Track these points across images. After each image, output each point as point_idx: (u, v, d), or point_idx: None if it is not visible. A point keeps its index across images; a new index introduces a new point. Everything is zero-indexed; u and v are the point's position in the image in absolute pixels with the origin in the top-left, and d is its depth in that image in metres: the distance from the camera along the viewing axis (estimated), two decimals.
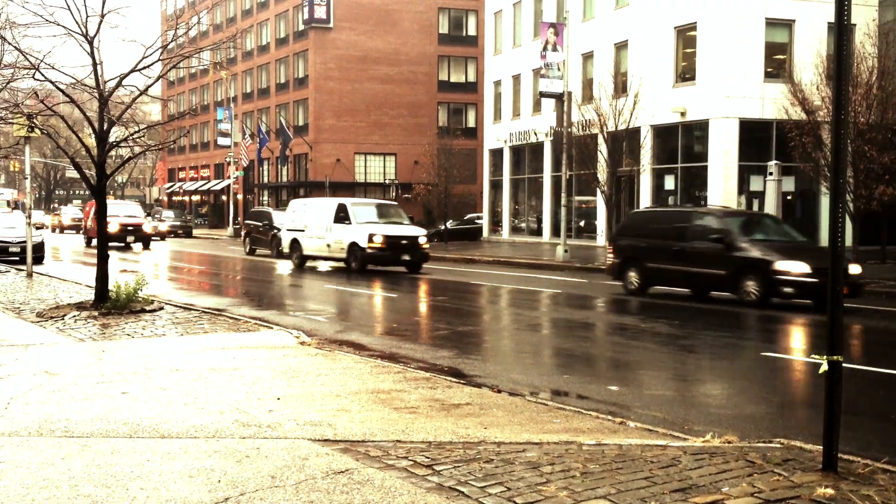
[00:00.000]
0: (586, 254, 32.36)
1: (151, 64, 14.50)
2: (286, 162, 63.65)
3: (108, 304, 13.55)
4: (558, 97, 31.99)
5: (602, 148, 28.09)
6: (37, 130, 18.47)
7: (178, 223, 57.25)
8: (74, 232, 57.54)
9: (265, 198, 73.29)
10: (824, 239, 31.70)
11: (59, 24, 13.82)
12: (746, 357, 11.55)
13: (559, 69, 31.92)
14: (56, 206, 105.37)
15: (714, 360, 11.18)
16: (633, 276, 18.72)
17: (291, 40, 67.92)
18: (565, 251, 29.00)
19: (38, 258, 25.70)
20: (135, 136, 16.18)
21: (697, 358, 11.37)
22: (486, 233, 49.97)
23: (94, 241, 37.29)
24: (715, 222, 17.75)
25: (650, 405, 8.04)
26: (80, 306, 13.98)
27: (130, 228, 38.94)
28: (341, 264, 26.13)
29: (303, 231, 27.02)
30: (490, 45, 51.00)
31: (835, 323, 5.37)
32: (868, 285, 19.85)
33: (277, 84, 70.31)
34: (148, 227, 40.24)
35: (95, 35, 13.88)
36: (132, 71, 14.24)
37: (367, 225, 24.80)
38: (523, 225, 47.76)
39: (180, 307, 14.74)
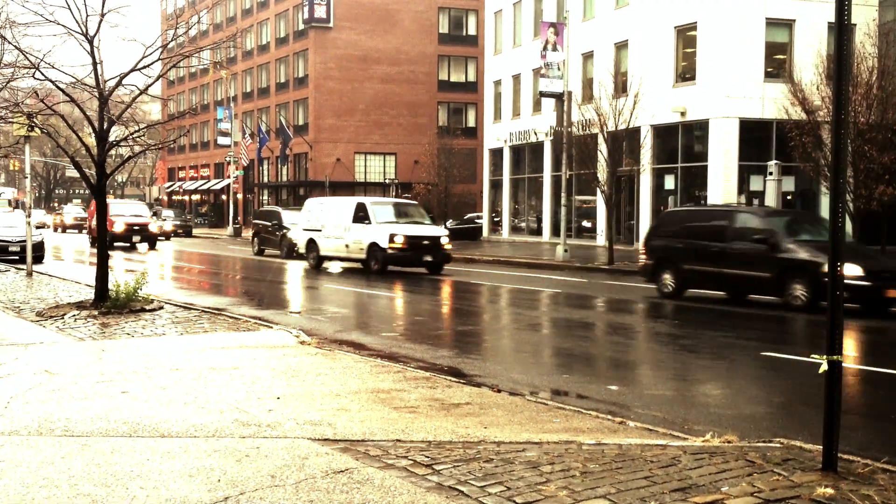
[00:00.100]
0: (586, 253, 32.36)
1: (151, 63, 14.50)
2: (286, 161, 63.66)
3: (107, 304, 13.54)
4: (558, 97, 31.98)
5: (602, 148, 28.06)
6: (37, 129, 18.48)
7: (178, 223, 57.11)
8: (77, 231, 57.30)
9: (265, 197, 73.29)
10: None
11: (59, 24, 13.83)
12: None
13: (559, 69, 31.91)
14: (56, 205, 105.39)
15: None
16: (668, 278, 17.91)
17: (291, 40, 67.92)
18: (565, 251, 29.00)
19: (38, 257, 25.69)
20: (135, 136, 16.18)
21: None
22: (485, 232, 49.97)
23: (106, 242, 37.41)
24: (758, 222, 16.96)
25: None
26: (79, 305, 13.98)
27: (136, 228, 38.24)
28: (358, 265, 25.38)
29: (319, 231, 26.28)
30: (490, 44, 50.99)
31: (834, 323, 5.37)
32: None
33: (277, 83, 70.31)
34: (154, 227, 39.58)
35: (95, 34, 13.88)
36: (132, 70, 14.25)
37: (388, 225, 24.07)
38: (523, 225, 47.75)
39: (179, 306, 14.73)
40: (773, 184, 22.09)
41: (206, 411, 6.95)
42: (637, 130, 30.93)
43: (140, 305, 13.78)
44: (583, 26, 40.15)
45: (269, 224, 33.34)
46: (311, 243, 26.61)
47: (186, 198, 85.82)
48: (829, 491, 4.91)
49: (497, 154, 49.64)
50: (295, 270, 26.14)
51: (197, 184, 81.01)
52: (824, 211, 30.42)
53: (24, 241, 22.87)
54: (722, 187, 33.35)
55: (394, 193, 60.08)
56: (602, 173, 28.01)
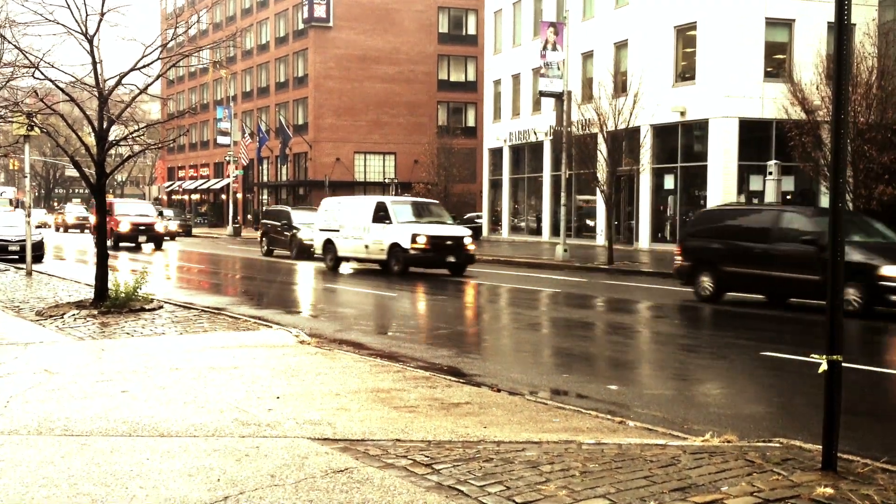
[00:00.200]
0: (586, 253, 32.36)
1: (151, 62, 14.50)
2: (286, 161, 63.67)
3: (107, 303, 13.54)
4: (558, 96, 31.98)
5: (602, 147, 28.06)
6: (36, 129, 18.47)
7: (178, 222, 57.06)
8: (79, 231, 56.97)
9: (265, 197, 73.30)
10: None
11: (58, 23, 13.83)
12: None
13: (559, 68, 31.91)
14: (56, 204, 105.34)
15: None
16: (706, 280, 17.07)
17: (291, 39, 67.91)
18: (565, 250, 29.00)
19: (38, 257, 25.67)
20: (134, 135, 16.18)
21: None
22: (485, 232, 49.98)
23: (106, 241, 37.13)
24: (805, 222, 15.97)
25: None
26: (79, 305, 13.98)
27: (142, 228, 37.56)
28: (376, 266, 24.75)
29: (337, 231, 25.48)
30: (490, 44, 51.00)
31: (834, 323, 5.37)
32: None
33: (277, 83, 70.30)
34: (160, 226, 38.83)
35: (95, 34, 13.88)
36: (132, 69, 14.25)
37: (409, 224, 23.34)
38: (523, 224, 47.77)
39: (179, 306, 14.72)
40: (772, 183, 22.08)
41: (205, 411, 6.95)
42: (637, 130, 30.94)
43: (140, 305, 13.78)
44: (582, 26, 40.15)
45: (279, 224, 32.62)
46: (329, 244, 25.90)
47: (186, 197, 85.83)
48: (829, 491, 4.91)
49: (497, 154, 49.64)
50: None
51: (196, 183, 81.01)
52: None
53: (24, 240, 22.86)
54: (722, 187, 33.36)
55: (393, 193, 60.07)
56: (602, 173, 28.01)
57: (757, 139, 33.23)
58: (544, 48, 32.57)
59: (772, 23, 33.60)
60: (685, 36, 35.47)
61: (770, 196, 22.09)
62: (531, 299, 18.73)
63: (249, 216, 71.73)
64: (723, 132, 33.34)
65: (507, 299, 19.31)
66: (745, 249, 16.50)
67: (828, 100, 20.87)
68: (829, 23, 31.77)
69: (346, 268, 26.10)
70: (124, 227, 36.71)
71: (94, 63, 13.87)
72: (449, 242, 23.27)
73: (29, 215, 21.84)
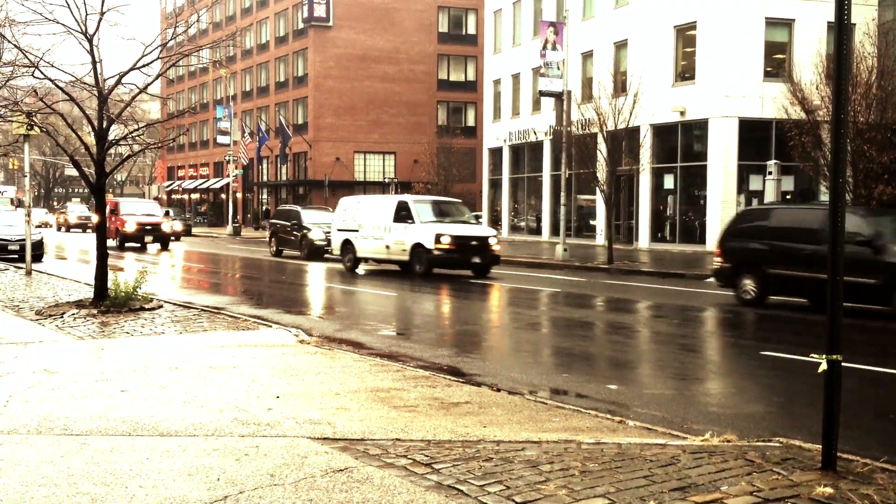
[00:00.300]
0: (585, 253, 32.36)
1: (151, 62, 14.51)
2: (285, 160, 63.66)
3: (107, 302, 13.54)
4: (558, 96, 31.98)
5: (601, 147, 28.06)
6: (36, 128, 18.47)
7: (178, 221, 56.96)
8: (81, 231, 56.59)
9: (264, 196, 73.30)
10: None
11: (58, 22, 13.82)
12: None
13: (559, 68, 31.91)
14: (56, 203, 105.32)
15: None
16: (748, 283, 16.24)
17: (291, 39, 67.91)
18: (564, 250, 28.99)
19: (38, 256, 25.67)
20: (134, 135, 16.18)
21: None
22: None
23: (110, 242, 36.46)
24: (859, 222, 14.87)
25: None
26: (79, 304, 13.98)
27: (149, 228, 36.69)
28: (395, 267, 24.18)
29: (356, 231, 24.75)
30: (490, 43, 51.01)
31: (834, 322, 5.37)
32: None
33: (277, 82, 70.30)
34: (167, 226, 37.86)
35: (95, 33, 13.88)
36: (132, 69, 14.24)
37: (433, 224, 22.61)
38: (522, 224, 47.77)
39: (179, 305, 14.71)
40: (772, 183, 22.07)
41: (205, 410, 6.94)
42: (636, 130, 30.94)
43: (139, 304, 13.78)
44: (582, 25, 40.16)
45: (288, 224, 31.91)
46: (347, 244, 25.17)
47: (186, 197, 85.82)
48: (829, 490, 4.91)
49: (496, 153, 49.64)
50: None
51: (196, 183, 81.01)
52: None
53: (24, 239, 22.86)
54: (721, 187, 33.38)
55: (393, 192, 60.05)
56: (601, 173, 28.01)
57: (757, 139, 33.23)
58: (544, 48, 32.56)
59: (772, 22, 33.61)
60: (685, 36, 35.47)
61: (770, 196, 22.07)
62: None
63: (249, 216, 71.75)
64: (723, 132, 33.35)
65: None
66: (792, 251, 15.59)
67: (828, 99, 20.86)
68: (828, 22, 31.77)
69: (351, 269, 25.12)
70: (130, 227, 36.04)
71: (94, 62, 13.87)
72: (474, 243, 22.69)
73: (29, 214, 21.84)
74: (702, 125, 34.32)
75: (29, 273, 20.71)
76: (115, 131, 15.63)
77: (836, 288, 5.40)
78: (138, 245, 37.24)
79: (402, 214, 23.31)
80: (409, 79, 65.26)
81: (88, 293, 15.23)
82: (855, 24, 23.14)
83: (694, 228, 35.34)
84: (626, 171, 32.09)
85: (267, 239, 35.99)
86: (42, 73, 14.35)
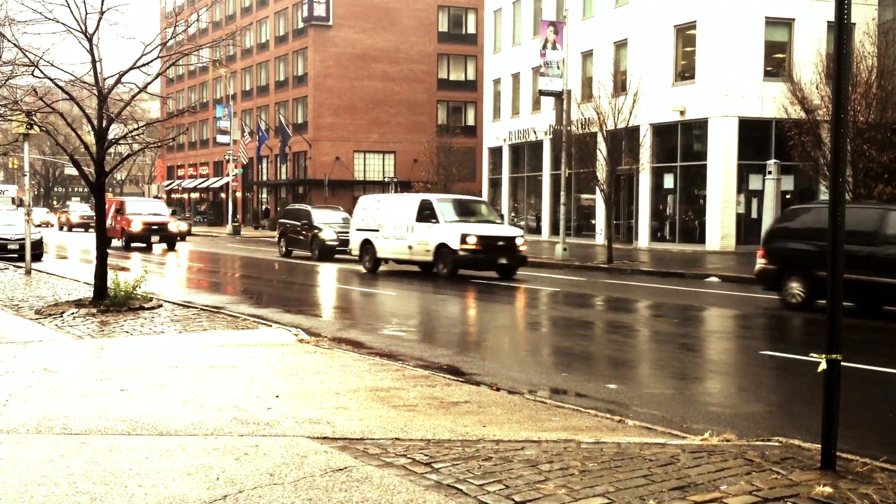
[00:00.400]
0: (585, 252, 32.36)
1: (151, 61, 14.51)
2: (285, 160, 63.66)
3: (106, 302, 13.54)
4: (558, 95, 31.98)
5: (601, 146, 28.06)
6: (36, 127, 18.45)
7: (183, 221, 56.76)
8: (83, 230, 56.15)
9: (264, 195, 73.29)
10: None
11: (58, 21, 13.81)
12: None
13: (559, 67, 31.91)
14: (55, 202, 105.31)
15: None
16: (795, 286, 15.41)
17: (291, 38, 67.90)
18: (564, 249, 28.99)
19: (38, 255, 25.66)
20: (134, 134, 16.16)
21: None
22: None
23: (116, 242, 36.14)
24: None
25: None
26: (78, 303, 13.98)
27: (155, 228, 35.96)
28: (415, 268, 23.73)
29: (376, 231, 24.08)
30: (489, 43, 51.01)
31: (834, 322, 5.37)
32: None
33: (277, 82, 70.29)
34: (174, 226, 37.00)
35: (95, 32, 13.87)
36: (131, 68, 14.24)
37: (457, 224, 21.90)
38: (522, 223, 47.77)
39: (178, 304, 14.70)
40: (772, 183, 22.06)
41: (204, 409, 6.94)
42: (636, 129, 30.94)
43: (139, 303, 13.78)
44: (582, 25, 40.16)
45: (298, 224, 31.15)
46: (367, 244, 24.49)
47: (185, 196, 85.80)
48: (828, 490, 4.91)
49: (496, 153, 49.64)
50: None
51: (196, 182, 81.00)
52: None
53: (23, 239, 22.85)
54: (721, 186, 33.38)
55: (392, 192, 60.01)
56: (601, 172, 28.01)
57: (756, 138, 33.23)
58: (544, 47, 32.56)
59: (772, 22, 33.61)
60: (685, 35, 35.47)
61: (769, 195, 22.08)
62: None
63: (248, 215, 71.76)
64: (722, 131, 33.35)
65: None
66: (846, 253, 14.96)
67: (827, 99, 20.86)
68: (828, 22, 31.76)
69: (371, 270, 24.40)
70: (136, 227, 35.36)
71: (94, 61, 13.86)
72: (500, 243, 22.05)
73: (28, 214, 21.84)
74: (701, 125, 34.32)
75: (28, 272, 20.70)
76: (114, 130, 15.63)
77: (836, 287, 5.40)
78: (144, 245, 36.59)
79: (426, 214, 22.64)
80: (409, 78, 65.25)
81: (88, 292, 15.23)
82: (855, 24, 23.13)
83: (694, 228, 35.35)
84: (625, 170, 32.10)
85: (275, 238, 35.45)
86: (42, 72, 14.34)
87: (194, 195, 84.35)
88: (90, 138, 14.62)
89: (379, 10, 64.21)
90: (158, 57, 14.95)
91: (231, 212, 59.74)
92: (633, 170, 32.79)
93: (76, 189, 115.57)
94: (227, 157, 62.18)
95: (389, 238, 23.73)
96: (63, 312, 13.15)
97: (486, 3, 51.23)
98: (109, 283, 13.99)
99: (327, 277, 23.51)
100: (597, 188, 29.53)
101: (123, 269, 22.24)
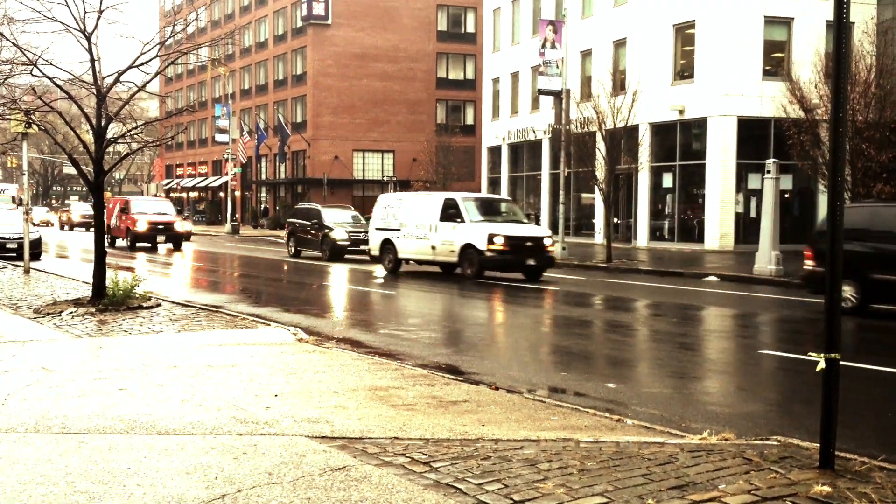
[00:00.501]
0: (584, 251, 32.36)
1: (149, 60, 14.49)
2: (284, 159, 63.66)
3: (105, 301, 13.53)
4: (557, 95, 31.99)
5: (600, 146, 28.07)
6: (34, 126, 18.43)
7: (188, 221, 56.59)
8: (85, 229, 55.40)
9: (263, 194, 73.26)
10: None
11: (57, 20, 13.79)
12: None
13: (558, 67, 31.91)
14: (54, 201, 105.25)
15: None
16: (848, 290, 14.51)
17: (290, 37, 67.88)
18: (563, 248, 28.99)
19: (36, 254, 25.64)
20: (132, 133, 16.16)
21: None
22: None
23: (120, 242, 35.95)
24: None
25: None
26: (77, 303, 13.97)
27: (161, 227, 35.01)
28: (436, 268, 23.13)
29: (397, 231, 23.42)
30: (489, 42, 51.00)
31: (832, 321, 5.37)
32: None
33: (275, 81, 70.27)
34: (180, 226, 36.01)
35: (93, 31, 13.85)
36: (130, 67, 14.23)
37: (484, 223, 21.25)
38: None
39: (177, 304, 14.69)
40: (770, 182, 22.07)
41: (203, 409, 6.94)
42: (635, 128, 30.94)
43: (137, 303, 13.77)
44: (581, 24, 40.15)
45: (308, 223, 30.43)
46: (387, 244, 23.78)
47: (184, 195, 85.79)
48: (826, 489, 4.91)
49: (495, 152, 49.64)
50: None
51: (194, 181, 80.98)
52: (822, 209, 30.46)
53: (22, 238, 22.83)
54: (720, 185, 33.39)
55: (392, 192, 59.94)
56: (600, 171, 28.02)
57: (755, 137, 33.25)
58: (543, 46, 32.56)
59: (771, 21, 33.62)
60: (684, 34, 35.47)
61: (768, 194, 22.11)
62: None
63: (247, 214, 71.74)
64: (721, 130, 33.35)
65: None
66: (888, 254, 14.19)
67: (826, 98, 20.87)
68: (827, 21, 31.78)
69: (392, 270, 23.71)
70: (141, 227, 34.57)
71: (93, 60, 13.85)
72: (529, 244, 21.28)
73: (27, 213, 21.82)
74: (700, 124, 34.32)
75: (27, 271, 20.69)
76: (113, 129, 15.62)
77: (835, 287, 5.40)
78: (149, 245, 35.75)
79: (450, 213, 21.92)
80: (408, 77, 65.23)
81: (87, 291, 15.22)
82: (854, 23, 23.15)
83: (692, 227, 35.37)
84: (624, 169, 32.10)
85: (275, 237, 34.86)
86: (40, 70, 14.32)
87: (193, 194, 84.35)
88: (89, 137, 14.60)
89: (378, 9, 64.19)
90: (157, 56, 14.94)
91: (230, 211, 59.73)
92: (632, 169, 32.79)
93: (75, 188, 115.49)
94: (225, 156, 62.16)
95: (411, 238, 23.08)
96: (61, 311, 13.14)
97: (486, 2, 51.23)
98: (108, 283, 13.98)
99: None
100: (596, 187, 29.54)
101: (128, 268, 22.15)
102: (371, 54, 64.03)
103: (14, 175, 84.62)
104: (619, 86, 33.16)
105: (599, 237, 36.84)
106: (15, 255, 26.15)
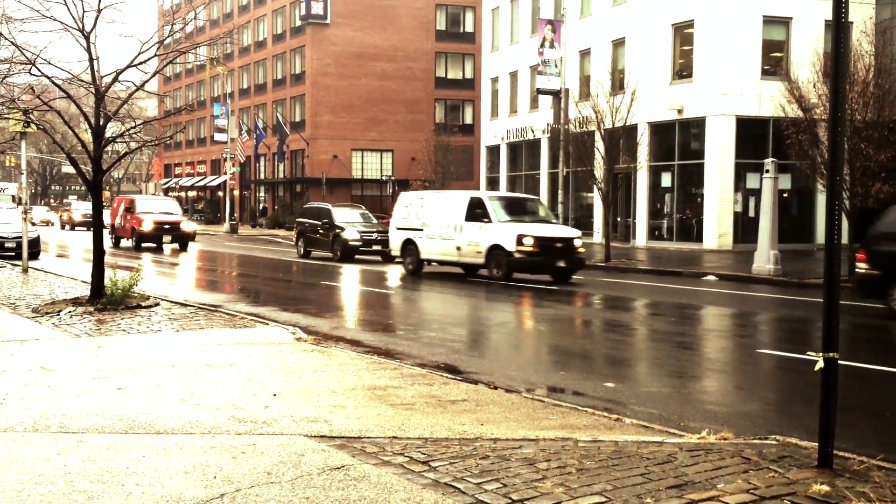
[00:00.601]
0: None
1: (148, 59, 14.47)
2: (283, 158, 63.65)
3: (103, 300, 13.52)
4: (555, 94, 32.01)
5: (599, 145, 28.08)
6: (33, 126, 18.42)
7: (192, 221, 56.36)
8: (86, 229, 55.24)
9: (261, 194, 73.22)
10: (820, 237, 31.75)
11: (55, 19, 13.78)
12: None
13: (556, 66, 31.92)
14: (52, 200, 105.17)
15: None
16: None
17: (288, 36, 67.84)
18: None
19: (34, 254, 25.61)
20: (131, 132, 16.14)
21: None
22: None
23: (125, 242, 35.71)
24: None
25: None
26: (75, 302, 13.96)
27: (167, 227, 34.31)
28: (458, 269, 22.70)
29: (420, 231, 22.89)
30: (487, 41, 51.00)
31: (830, 320, 5.37)
32: None
33: (274, 80, 70.23)
34: (186, 226, 35.19)
35: (92, 30, 13.84)
36: (129, 66, 14.21)
37: (512, 224, 20.67)
38: None
39: (175, 303, 14.69)
40: (769, 181, 22.09)
41: (201, 408, 6.93)
42: (634, 128, 30.95)
43: (136, 302, 13.76)
44: (580, 23, 40.15)
45: (318, 223, 29.81)
46: (409, 245, 23.24)
47: (183, 194, 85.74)
48: (825, 488, 4.91)
49: (494, 151, 49.64)
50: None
51: (193, 180, 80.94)
52: (821, 208, 30.47)
53: (20, 237, 22.82)
54: (718, 185, 33.40)
55: (390, 191, 60.02)
56: (599, 171, 28.03)
57: (754, 137, 33.26)
58: (542, 46, 32.59)
59: (769, 21, 33.63)
60: (683, 34, 35.47)
61: (766, 194, 22.13)
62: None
63: (246, 213, 71.71)
64: (720, 130, 33.36)
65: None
66: None
67: (825, 98, 20.87)
68: (826, 21, 31.80)
69: (414, 272, 23.17)
70: (147, 226, 33.83)
71: (91, 59, 13.84)
72: (559, 245, 20.68)
73: (25, 212, 21.81)
74: (699, 123, 34.33)
75: (25, 270, 20.67)
76: (111, 128, 15.59)
77: (833, 286, 5.40)
78: (155, 245, 34.96)
79: (477, 213, 21.34)
80: (407, 76, 65.22)
81: (85, 291, 15.21)
82: (852, 23, 23.16)
83: (691, 226, 35.38)
84: (623, 169, 32.10)
85: (275, 237, 34.48)
86: (39, 70, 14.31)
87: (191, 193, 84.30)
88: (87, 136, 14.60)
89: (377, 9, 64.17)
90: (156, 55, 14.92)
91: (228, 210, 59.70)
92: (631, 168, 32.81)
93: (73, 187, 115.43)
94: (224, 155, 62.14)
95: (435, 238, 22.49)
96: (60, 311, 13.13)
97: (484, 2, 51.23)
98: (107, 282, 13.96)
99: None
100: (594, 187, 29.54)
101: (131, 269, 21.97)
102: (370, 53, 64.01)
103: (13, 174, 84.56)
104: (617, 85, 33.18)
105: (598, 236, 36.84)
106: (13, 254, 26.13)
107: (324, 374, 8.55)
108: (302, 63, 65.56)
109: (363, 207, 33.61)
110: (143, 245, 34.68)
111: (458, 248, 21.75)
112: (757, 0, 33.22)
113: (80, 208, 59.91)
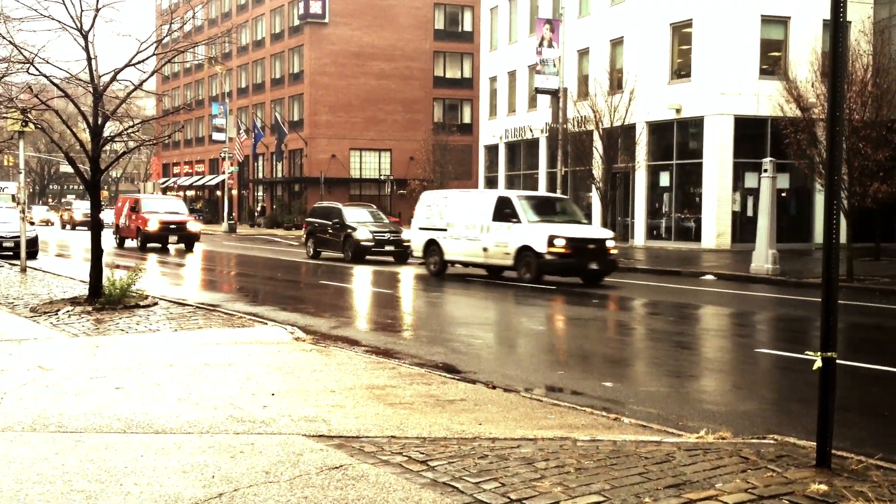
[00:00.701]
0: None
1: (146, 58, 14.46)
2: (281, 157, 63.64)
3: (102, 300, 13.51)
4: (554, 93, 31.99)
5: (597, 144, 28.12)
6: (31, 125, 18.41)
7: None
8: (86, 229, 55.39)
9: (260, 193, 73.20)
10: (818, 236, 31.79)
11: (53, 19, 13.78)
12: None
13: (555, 65, 31.91)
14: (51, 200, 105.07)
15: None
16: None
17: (287, 35, 67.82)
18: None
19: (32, 253, 25.58)
20: (129, 131, 16.13)
21: None
22: None
23: (130, 242, 35.41)
24: None
25: None
26: (73, 301, 13.95)
27: (173, 227, 33.73)
28: (482, 271, 22.10)
29: (444, 231, 22.20)
30: (486, 40, 51.00)
31: (829, 320, 5.38)
32: (862, 282, 19.93)
33: (272, 79, 70.21)
34: (193, 226, 34.54)
35: (90, 29, 13.82)
36: (127, 65, 14.20)
37: (542, 224, 19.99)
38: None
39: (173, 302, 14.68)
40: (767, 181, 22.10)
41: (200, 407, 6.93)
42: (632, 127, 30.99)
43: (134, 301, 13.75)
44: (578, 23, 40.15)
45: (329, 223, 29.14)
46: (432, 245, 22.54)
47: (181, 193, 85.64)
48: (823, 487, 4.91)
49: (492, 151, 49.64)
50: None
51: (191, 179, 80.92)
52: (819, 208, 30.50)
53: (18, 236, 22.79)
54: (717, 184, 33.42)
55: (389, 190, 60.06)
56: (597, 170, 28.06)
57: (752, 136, 33.28)
58: (540, 45, 32.57)
59: (767, 20, 33.65)
60: (681, 33, 35.48)
61: (765, 193, 22.15)
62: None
63: (244, 213, 71.67)
64: (718, 129, 33.38)
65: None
66: None
67: (823, 97, 20.88)
68: (824, 20, 31.79)
69: (437, 273, 22.48)
70: (152, 226, 33.32)
71: (89, 59, 13.82)
72: (591, 246, 19.96)
73: (23, 211, 21.78)
74: (697, 123, 34.35)
75: (24, 270, 20.65)
76: (110, 128, 15.57)
77: (831, 286, 5.41)
78: (160, 246, 34.46)
79: (505, 213, 20.60)
80: (405, 76, 65.21)
81: (84, 290, 15.20)
82: (850, 22, 23.18)
83: (689, 226, 35.40)
84: (621, 168, 32.14)
85: (275, 236, 34.03)
86: (37, 69, 14.29)
87: (190, 193, 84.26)
88: (85, 136, 14.57)
89: (375, 8, 64.16)
90: (154, 54, 14.91)
91: (227, 209, 59.67)
92: (629, 168, 32.84)
93: (72, 186, 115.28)
94: (222, 154, 62.11)
95: (460, 239, 21.77)
96: (58, 310, 13.12)
97: (483, 1, 51.23)
98: (105, 281, 13.95)
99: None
100: (593, 186, 29.56)
101: (132, 268, 21.80)
102: (368, 53, 63.99)
103: (11, 173, 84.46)
104: (616, 85, 33.18)
105: None
106: (11, 253, 26.10)
107: (322, 374, 8.55)
108: (300, 62, 65.54)
109: (374, 206, 33.11)
110: (149, 245, 34.17)
111: (485, 250, 21.10)
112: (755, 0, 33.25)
113: (81, 208, 59.38)
